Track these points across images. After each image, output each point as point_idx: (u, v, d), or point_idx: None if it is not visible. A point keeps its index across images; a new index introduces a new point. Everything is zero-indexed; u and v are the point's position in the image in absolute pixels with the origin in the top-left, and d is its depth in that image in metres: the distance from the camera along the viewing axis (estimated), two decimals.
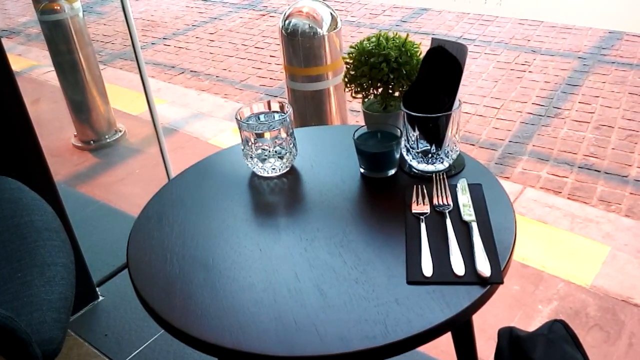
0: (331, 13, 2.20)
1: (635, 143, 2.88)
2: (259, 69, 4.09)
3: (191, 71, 4.15)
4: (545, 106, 3.29)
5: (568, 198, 2.49)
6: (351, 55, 1.16)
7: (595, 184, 2.59)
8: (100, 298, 2.04)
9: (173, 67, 4.23)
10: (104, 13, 5.49)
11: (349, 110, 2.97)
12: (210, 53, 4.41)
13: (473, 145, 2.98)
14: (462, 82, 1.04)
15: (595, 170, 2.69)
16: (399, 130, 1.12)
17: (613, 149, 2.85)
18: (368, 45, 1.13)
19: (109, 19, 5.31)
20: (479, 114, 3.27)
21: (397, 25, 4.52)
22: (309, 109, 2.30)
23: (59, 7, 3.03)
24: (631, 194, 2.50)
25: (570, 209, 2.35)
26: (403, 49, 1.11)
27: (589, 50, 3.92)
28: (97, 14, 5.46)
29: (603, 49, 3.92)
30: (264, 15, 5.04)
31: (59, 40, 3.04)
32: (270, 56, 4.24)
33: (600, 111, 3.19)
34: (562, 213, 2.31)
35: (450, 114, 1.05)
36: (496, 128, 3.12)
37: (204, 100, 3.63)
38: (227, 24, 4.97)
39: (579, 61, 3.78)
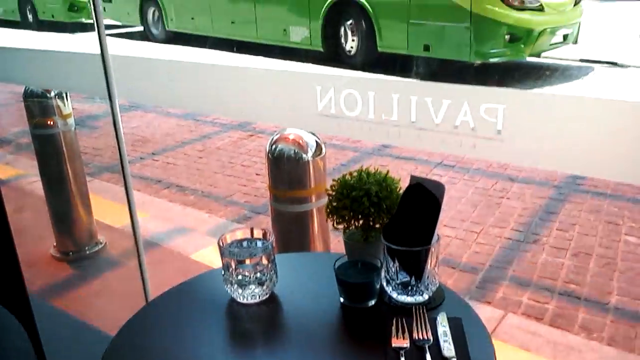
0: (316, 140, 2.29)
1: (614, 271, 2.92)
2: (245, 185, 4.16)
3: (177, 186, 4.21)
4: (523, 232, 3.36)
5: (550, 325, 2.48)
6: (334, 187, 1.20)
7: (577, 311, 2.59)
8: None
9: (160, 181, 4.30)
10: (96, 127, 5.65)
11: (332, 232, 3.00)
12: (198, 169, 4.51)
13: (454, 268, 3.00)
14: (442, 207, 1.07)
15: (576, 297, 2.69)
16: (379, 261, 1.13)
17: (592, 276, 2.88)
18: (350, 179, 1.18)
19: (101, 133, 5.46)
20: (459, 237, 3.31)
21: (379, 150, 4.70)
22: (292, 230, 2.32)
23: (52, 122, 3.11)
24: (612, 322, 2.50)
25: (553, 336, 2.33)
26: (383, 184, 1.16)
27: (565, 180, 4.08)
28: (89, 128, 5.62)
29: (578, 178, 4.08)
30: (251, 135, 5.22)
31: (49, 153, 3.09)
32: (256, 174, 4.34)
33: (578, 238, 3.25)
34: (545, 340, 2.29)
35: (430, 248, 1.08)
36: (477, 252, 3.16)
37: (188, 215, 3.65)
38: (216, 142, 5.12)
39: (555, 190, 3.92)
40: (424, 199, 1.10)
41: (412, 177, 1.13)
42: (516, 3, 6.76)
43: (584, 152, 1.12)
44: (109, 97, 1.73)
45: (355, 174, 1.19)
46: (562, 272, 2.92)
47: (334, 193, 1.19)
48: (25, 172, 4.31)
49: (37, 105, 3.04)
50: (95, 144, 5.19)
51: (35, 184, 3.88)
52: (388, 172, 1.19)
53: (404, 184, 1.19)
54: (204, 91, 1.73)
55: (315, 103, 1.39)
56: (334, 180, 1.20)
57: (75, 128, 3.21)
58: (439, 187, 1.10)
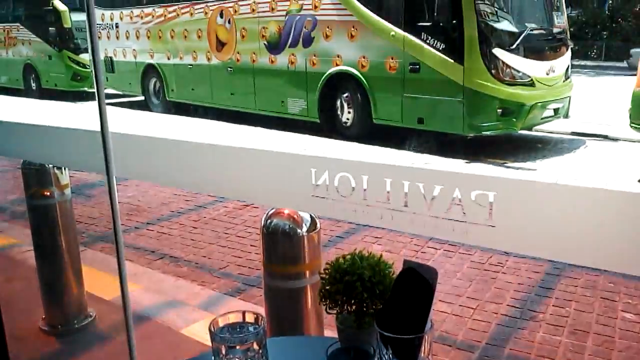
0: (311, 215, 2.30)
1: (612, 349, 2.87)
2: (239, 257, 4.14)
3: (170, 257, 4.18)
4: (520, 308, 3.32)
5: None
6: (327, 271, 1.20)
7: None
8: None
9: (153, 252, 4.27)
10: (92, 196, 5.67)
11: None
12: (192, 240, 4.50)
13: (450, 346, 2.94)
14: (438, 282, 1.07)
15: None
16: (372, 348, 1.12)
17: (590, 354, 2.82)
18: (343, 263, 1.18)
19: (96, 202, 5.47)
20: (455, 313, 3.27)
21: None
22: (286, 307, 2.29)
23: (49, 193, 3.12)
24: None
25: None
26: (377, 269, 1.16)
27: None
28: (85, 196, 5.63)
29: None
30: (247, 206, 5.24)
31: (44, 223, 3.09)
32: (251, 245, 4.32)
33: (575, 315, 3.21)
34: None
35: (423, 335, 1.06)
36: (473, 329, 3.10)
37: (180, 287, 3.61)
38: (212, 212, 5.13)
39: (550, 264, 3.90)
40: (417, 285, 1.09)
41: (405, 262, 1.13)
42: (507, 78, 6.98)
43: (575, 241, 1.13)
44: (107, 173, 1.75)
45: (348, 257, 1.20)
46: (559, 350, 2.86)
47: (326, 276, 1.19)
48: (18, 241, 4.28)
49: (35, 175, 3.05)
50: (91, 212, 5.19)
51: (27, 253, 3.85)
52: (381, 255, 1.19)
53: (398, 260, 1.19)
54: (200, 171, 1.76)
55: (310, 184, 1.41)
56: (327, 263, 1.20)
57: (71, 198, 3.22)
58: (432, 272, 1.09)
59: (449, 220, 1.19)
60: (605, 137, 8.07)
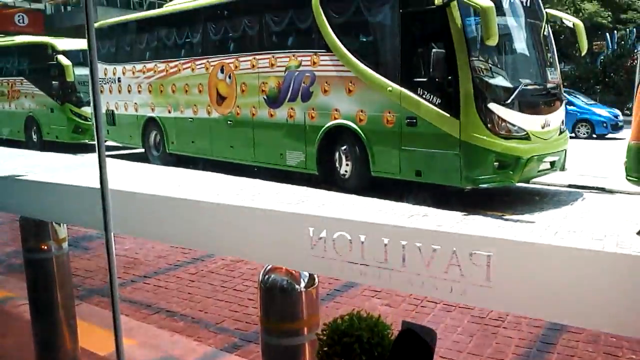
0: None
1: None
2: (236, 311, 4.09)
3: (167, 311, 4.13)
4: None
5: None
6: (324, 332, 1.19)
7: None
8: None
9: (149, 306, 4.22)
10: (90, 248, 5.64)
11: None
12: (189, 293, 4.45)
13: None
14: (438, 337, 1.06)
15: None
16: None
17: None
18: (341, 324, 1.17)
19: (94, 254, 5.44)
20: None
21: None
22: None
23: (46, 247, 3.11)
24: None
25: None
26: (375, 330, 1.16)
27: None
28: (82, 249, 5.61)
29: None
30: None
31: (40, 277, 3.07)
32: (248, 299, 4.28)
33: None
34: None
35: None
36: None
37: (176, 343, 3.55)
38: (209, 265, 5.10)
39: None
40: (416, 346, 1.09)
41: (404, 323, 1.13)
42: (503, 132, 7.07)
43: (573, 303, 1.13)
44: (105, 230, 1.76)
45: (346, 317, 1.19)
46: None
47: (324, 338, 1.18)
48: (13, 295, 4.23)
49: (33, 228, 3.05)
50: (87, 265, 5.15)
51: (22, 307, 3.80)
52: (379, 316, 1.19)
53: (397, 315, 1.18)
54: (198, 229, 1.77)
55: (308, 243, 1.41)
56: (325, 324, 1.20)
57: (68, 251, 3.21)
58: (431, 334, 1.09)
59: (447, 280, 1.19)
60: (603, 190, 8.12)
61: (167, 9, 12.58)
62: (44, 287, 3.04)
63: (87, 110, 13.59)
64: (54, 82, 14.35)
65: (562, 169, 7.99)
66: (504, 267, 1.15)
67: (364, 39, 8.47)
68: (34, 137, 15.70)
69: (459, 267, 1.17)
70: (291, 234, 1.45)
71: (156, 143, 11.98)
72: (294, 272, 2.26)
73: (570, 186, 8.41)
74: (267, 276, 2.26)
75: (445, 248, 1.19)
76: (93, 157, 1.88)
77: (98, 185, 1.88)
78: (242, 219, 1.62)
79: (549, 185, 8.52)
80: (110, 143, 13.06)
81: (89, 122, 13.35)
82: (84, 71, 13.07)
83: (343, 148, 8.44)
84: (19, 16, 33.78)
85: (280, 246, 1.53)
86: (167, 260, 5.29)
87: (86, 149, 13.99)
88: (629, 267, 1.05)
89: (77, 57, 13.79)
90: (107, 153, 1.99)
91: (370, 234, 1.28)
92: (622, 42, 28.38)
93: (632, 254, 1.05)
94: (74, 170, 11.33)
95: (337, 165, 8.57)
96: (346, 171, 8.48)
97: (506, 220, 6.61)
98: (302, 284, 2.23)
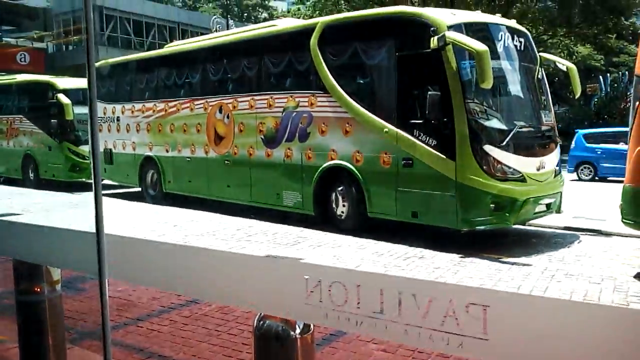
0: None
1: None
2: (230, 356, 4.01)
3: (159, 355, 4.05)
4: None
5: None
6: None
7: None
8: None
9: (142, 350, 4.14)
10: (83, 289, 5.57)
11: None
12: (182, 337, 4.37)
13: None
14: None
15: None
16: None
17: None
18: None
19: (87, 296, 5.37)
20: None
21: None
22: None
23: (39, 289, 3.08)
24: None
25: None
26: None
27: None
28: (76, 290, 5.54)
29: None
30: None
31: (32, 320, 3.03)
32: (243, 344, 4.21)
33: None
34: None
35: None
36: None
37: None
38: (203, 308, 5.03)
39: None
40: None
41: None
42: (499, 174, 7.10)
43: (569, 357, 1.11)
44: (100, 275, 1.74)
45: None
46: None
47: None
48: (4, 338, 4.15)
49: (26, 270, 3.02)
50: (81, 307, 5.08)
51: (12, 350, 3.73)
52: None
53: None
54: (194, 276, 1.75)
55: (303, 292, 1.40)
56: None
57: (61, 294, 3.17)
58: None
59: (443, 332, 1.17)
60: (599, 232, 8.11)
61: (167, 49, 12.77)
62: (36, 331, 2.99)
63: (85, 148, 13.63)
64: (52, 121, 14.43)
65: (558, 211, 8.00)
66: (501, 319, 1.14)
67: (361, 81, 8.59)
68: (31, 175, 15.70)
69: (456, 319, 1.16)
70: (286, 283, 1.44)
71: (153, 182, 11.99)
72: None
73: (566, 228, 8.40)
74: (261, 322, 2.22)
75: (442, 299, 1.18)
76: (89, 196, 1.87)
77: (92, 229, 1.87)
78: (237, 266, 1.61)
79: (545, 227, 8.52)
80: (107, 182, 13.06)
81: (87, 161, 13.37)
82: (83, 110, 13.17)
83: (340, 188, 8.45)
84: (21, 55, 34.29)
85: (275, 294, 1.51)
86: (161, 302, 5.23)
87: (83, 187, 13.97)
88: (625, 320, 1.04)
89: (77, 96, 13.91)
90: (103, 192, 1.99)
91: (366, 283, 1.27)
92: (615, 85, 28.88)
93: (627, 307, 1.04)
94: (69, 209, 11.29)
95: (334, 205, 8.56)
96: (343, 212, 8.47)
97: (503, 263, 6.57)
98: (298, 330, 2.20)
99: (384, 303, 1.25)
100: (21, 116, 16.01)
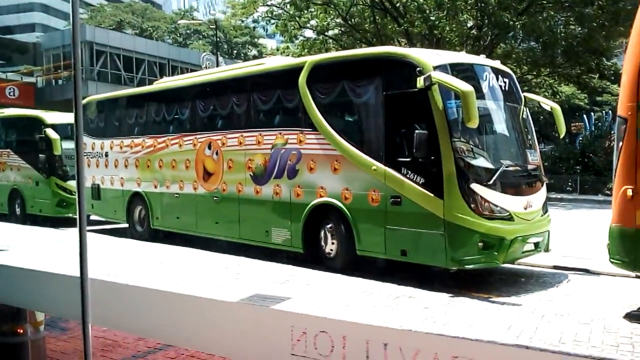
0: None
1: None
2: None
3: None
4: None
5: None
6: None
7: None
8: None
9: None
10: (67, 329, 5.47)
11: None
12: None
13: None
14: None
15: None
16: None
17: None
18: None
19: (71, 335, 5.27)
20: None
21: None
22: None
23: (22, 331, 3.03)
24: None
25: None
26: None
27: None
28: (59, 330, 5.43)
29: None
30: None
31: None
32: None
33: None
34: None
35: None
36: None
37: None
38: (189, 349, 4.94)
39: None
40: None
41: None
42: (486, 212, 7.13)
43: None
44: (83, 320, 1.72)
45: None
46: None
47: None
48: None
49: (9, 311, 2.97)
50: (64, 347, 4.97)
51: None
52: None
53: None
54: (178, 323, 1.73)
55: (288, 342, 1.39)
56: None
57: (44, 335, 3.12)
58: None
59: None
60: (587, 271, 8.13)
61: (156, 86, 12.86)
62: None
63: (73, 184, 13.54)
64: (40, 155, 14.38)
65: (547, 250, 8.02)
66: None
67: (349, 119, 8.67)
68: (17, 210, 15.54)
69: None
70: (271, 332, 1.43)
71: (141, 218, 11.91)
72: None
73: (555, 267, 8.42)
74: None
75: (427, 351, 1.17)
76: (74, 231, 1.86)
77: (76, 272, 1.85)
78: (223, 314, 1.60)
79: (534, 266, 8.52)
80: (94, 217, 12.95)
81: (74, 196, 13.26)
82: (71, 145, 13.12)
83: (329, 226, 8.44)
84: (10, 89, 34.35)
85: (260, 344, 1.50)
86: (147, 343, 5.13)
87: (69, 222, 13.83)
88: None
89: (65, 131, 13.88)
90: (89, 228, 1.97)
91: (353, 334, 1.26)
92: (599, 124, 29.37)
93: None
94: (54, 245, 11.15)
95: (323, 243, 8.53)
96: (332, 250, 8.43)
97: (493, 302, 6.54)
98: None
99: (370, 353, 1.24)
100: (9, 150, 15.93)
